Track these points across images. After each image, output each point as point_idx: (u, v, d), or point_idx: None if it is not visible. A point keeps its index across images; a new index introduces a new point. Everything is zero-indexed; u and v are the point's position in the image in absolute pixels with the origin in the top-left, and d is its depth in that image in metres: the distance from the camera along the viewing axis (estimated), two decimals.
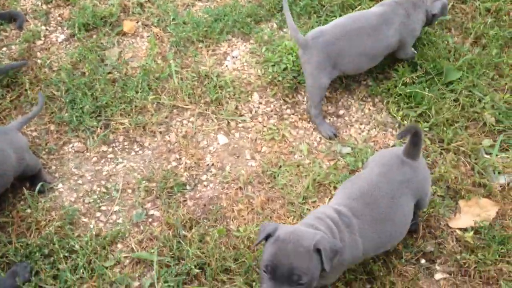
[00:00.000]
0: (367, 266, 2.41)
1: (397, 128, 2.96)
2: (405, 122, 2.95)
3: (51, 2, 3.61)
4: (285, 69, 3.17)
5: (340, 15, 3.30)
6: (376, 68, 3.14)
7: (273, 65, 3.19)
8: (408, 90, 2.97)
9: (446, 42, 3.27)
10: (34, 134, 2.98)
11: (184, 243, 2.49)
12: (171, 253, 2.48)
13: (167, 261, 2.46)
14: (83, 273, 2.42)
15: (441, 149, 2.86)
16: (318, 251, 1.89)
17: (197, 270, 2.41)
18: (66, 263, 2.45)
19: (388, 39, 2.87)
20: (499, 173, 2.75)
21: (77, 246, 2.48)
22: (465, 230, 2.58)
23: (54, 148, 2.92)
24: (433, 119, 2.90)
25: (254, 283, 2.36)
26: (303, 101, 3.10)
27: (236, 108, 3.05)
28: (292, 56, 3.18)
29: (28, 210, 2.65)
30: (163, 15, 3.50)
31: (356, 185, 2.23)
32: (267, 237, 1.97)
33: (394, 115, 2.97)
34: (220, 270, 2.43)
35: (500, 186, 2.72)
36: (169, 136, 2.95)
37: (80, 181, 2.81)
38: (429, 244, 2.55)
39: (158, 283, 2.43)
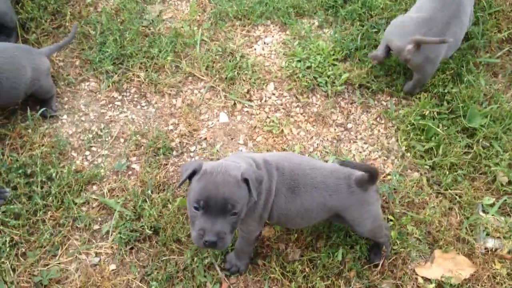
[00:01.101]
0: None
1: (399, 158, 2.83)
2: (409, 154, 2.81)
3: None
4: (308, 67, 3.12)
5: (384, 30, 3.16)
6: (401, 92, 3.02)
7: (299, 61, 3.14)
8: (421, 122, 2.82)
9: (487, 86, 3.05)
10: (61, 64, 3.15)
11: (148, 203, 2.56)
12: (133, 208, 2.56)
13: (127, 215, 2.54)
14: (52, 201, 2.56)
15: (437, 193, 2.70)
16: (246, 180, 1.91)
17: (150, 232, 2.48)
18: (41, 188, 2.59)
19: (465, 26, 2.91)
20: (487, 234, 2.57)
21: (54, 175, 2.62)
22: (429, 281, 2.45)
23: (72, 81, 3.07)
24: (438, 159, 2.74)
25: (201, 260, 2.40)
26: (316, 103, 3.04)
27: (248, 92, 3.05)
28: (320, 57, 3.12)
29: (29, 131, 2.82)
30: None
31: (295, 157, 2.25)
32: (191, 176, 1.95)
33: (400, 144, 2.84)
34: (172, 239, 2.48)
35: (485, 249, 2.54)
36: (175, 100, 3.01)
37: (83, 118, 2.95)
38: (385, 282, 2.44)
39: (113, 233, 2.53)
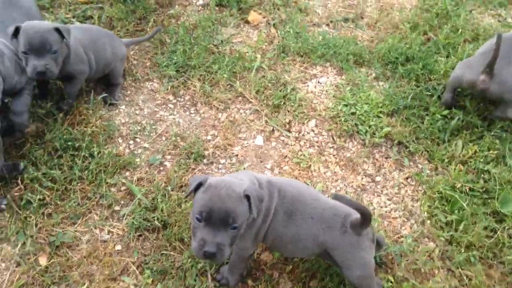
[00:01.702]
0: None
1: (419, 223, 2.78)
2: (429, 221, 2.76)
3: None
4: (353, 113, 3.19)
5: (439, 96, 3.17)
6: (440, 157, 2.99)
7: (345, 105, 3.23)
8: (449, 193, 2.76)
9: None
10: (134, 62, 3.50)
11: (165, 199, 2.74)
12: (152, 200, 2.75)
13: (145, 204, 2.73)
14: (87, 175, 2.83)
15: (447, 269, 2.61)
16: (247, 197, 1.99)
17: (160, 225, 2.65)
18: (82, 162, 2.88)
19: None
20: None
21: (96, 153, 2.89)
22: None
23: (139, 78, 3.40)
24: (457, 234, 2.66)
25: (196, 264, 2.52)
26: (350, 149, 3.09)
27: (289, 122, 3.18)
28: (367, 107, 3.19)
29: (90, 111, 3.15)
30: (286, 21, 3.75)
31: (301, 185, 2.32)
32: (197, 188, 2.06)
33: (423, 209, 2.80)
34: (177, 237, 2.62)
35: None
36: (221, 115, 3.22)
37: (137, 112, 3.24)
38: None
39: (128, 217, 2.73)
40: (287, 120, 3.19)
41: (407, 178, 2.98)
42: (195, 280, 2.51)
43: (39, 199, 2.71)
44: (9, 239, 2.65)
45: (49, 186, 2.77)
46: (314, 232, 2.19)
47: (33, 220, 2.68)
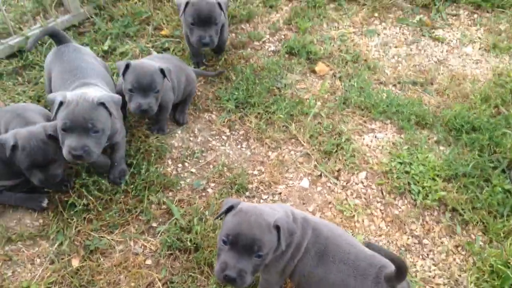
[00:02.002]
0: None
1: None
2: None
3: (289, 24, 4.29)
4: (407, 172, 3.08)
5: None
6: (496, 230, 2.78)
7: (400, 163, 3.13)
8: (502, 268, 2.52)
9: None
10: (199, 93, 3.64)
11: (201, 223, 2.73)
12: (188, 222, 2.76)
13: (181, 224, 2.74)
14: (132, 190, 2.90)
15: None
16: (277, 227, 1.94)
17: (192, 247, 2.63)
18: (131, 176, 2.97)
19: None
20: None
21: (144, 170, 2.98)
22: None
23: (199, 108, 3.52)
24: None
25: None
26: (400, 207, 2.95)
27: (338, 170, 3.12)
28: (423, 168, 3.07)
29: (148, 131, 3.29)
30: (353, 76, 3.78)
31: (337, 228, 2.24)
32: (228, 211, 2.03)
33: (469, 280, 2.57)
34: (206, 262, 2.58)
35: None
36: (271, 153, 3.22)
37: (191, 138, 3.33)
38: None
39: (163, 234, 2.74)
40: (337, 168, 3.13)
41: (457, 246, 2.78)
42: None
43: (84, 204, 2.81)
44: (48, 237, 2.74)
45: (95, 194, 2.86)
46: (344, 278, 2.07)
47: (74, 222, 2.76)
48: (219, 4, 3.23)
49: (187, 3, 3.19)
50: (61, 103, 2.50)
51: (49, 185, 2.78)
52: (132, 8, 4.17)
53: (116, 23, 4.08)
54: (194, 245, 2.65)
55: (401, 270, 1.93)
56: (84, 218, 2.81)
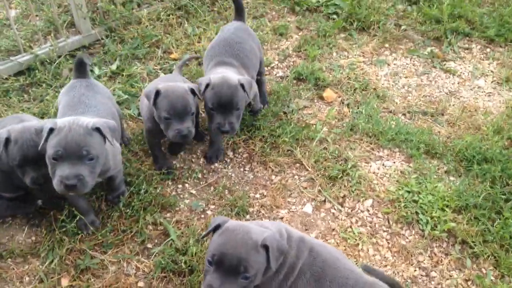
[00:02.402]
0: None
1: None
2: None
3: (299, 51, 4.28)
4: (415, 201, 2.96)
5: None
6: (508, 265, 2.62)
7: (408, 192, 3.01)
8: None
9: None
10: (203, 115, 3.59)
11: (198, 245, 2.62)
12: (184, 244, 2.65)
13: (176, 245, 2.63)
14: (128, 210, 2.81)
15: None
16: (266, 247, 1.83)
17: (186, 269, 2.52)
18: (129, 196, 2.89)
19: None
20: None
21: (143, 191, 2.90)
22: None
23: (202, 129, 3.46)
24: None
25: None
26: (407, 237, 2.81)
27: (343, 197, 3.01)
28: (432, 198, 2.95)
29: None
30: (361, 103, 3.72)
31: (337, 252, 2.12)
32: (215, 229, 1.94)
33: None
34: (199, 287, 2.45)
35: None
36: (274, 177, 3.13)
37: (193, 160, 3.27)
38: None
39: (157, 255, 2.63)
40: (342, 194, 3.02)
41: (467, 280, 2.62)
42: None
43: (76, 222, 2.70)
44: (39, 255, 2.66)
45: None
46: None
47: (66, 241, 2.67)
48: (242, 86, 2.86)
49: (207, 85, 2.84)
50: (51, 130, 2.28)
51: (43, 188, 2.58)
52: (142, 31, 4.20)
53: (126, 45, 4.10)
54: (189, 267, 2.54)
55: None
56: (77, 236, 2.71)
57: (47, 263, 2.61)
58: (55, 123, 2.30)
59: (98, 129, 2.34)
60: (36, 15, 4.27)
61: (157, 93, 2.72)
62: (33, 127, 2.48)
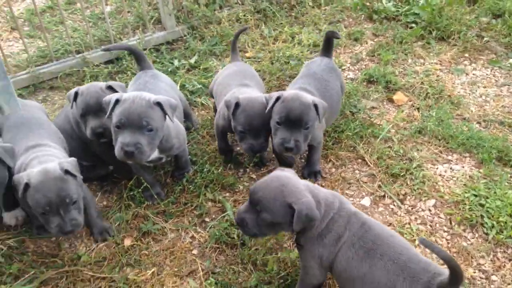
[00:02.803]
0: None
1: None
2: None
3: (372, 55, 4.27)
4: (481, 205, 2.82)
5: None
6: None
7: (475, 195, 2.88)
8: None
9: None
10: None
11: None
12: None
13: (232, 220, 2.72)
14: (190, 186, 2.96)
15: None
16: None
17: (238, 242, 2.59)
18: (193, 174, 3.05)
19: None
20: None
21: (206, 170, 3.03)
22: None
23: None
24: None
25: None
26: (469, 239, 2.68)
27: (404, 194, 2.94)
28: (501, 203, 2.80)
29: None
30: (433, 107, 3.63)
31: (392, 232, 2.08)
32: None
33: None
34: (250, 259, 2.52)
35: None
36: (335, 170, 3.14)
37: None
38: None
39: (213, 228, 2.73)
40: (403, 192, 2.95)
41: None
42: None
43: (143, 190, 2.87)
44: (109, 217, 2.86)
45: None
46: (391, 277, 1.90)
47: (132, 208, 2.86)
48: (316, 107, 2.65)
49: (278, 98, 2.67)
50: (117, 101, 2.45)
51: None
52: (222, 30, 4.44)
53: (205, 42, 4.35)
54: (241, 241, 2.61)
55: (456, 276, 1.73)
56: (142, 205, 2.89)
57: (115, 225, 2.79)
58: (121, 96, 2.49)
59: (159, 104, 2.47)
60: (128, 11, 4.66)
61: (237, 104, 2.76)
62: (100, 85, 2.78)
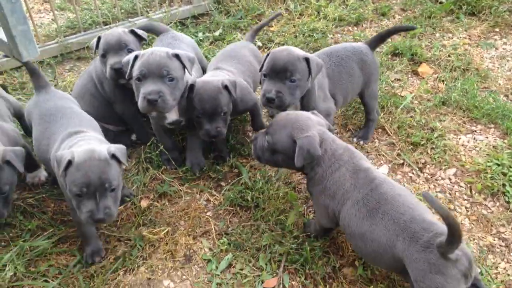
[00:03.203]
0: None
1: None
2: None
3: None
4: (504, 174, 2.76)
5: None
6: None
7: (498, 164, 2.80)
8: None
9: None
10: None
11: (267, 184, 2.69)
12: (254, 182, 2.74)
13: (247, 184, 2.73)
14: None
15: None
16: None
17: (251, 204, 2.60)
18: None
19: None
20: None
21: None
22: None
23: None
24: None
25: (274, 251, 2.38)
26: (489, 208, 2.61)
27: (424, 163, 2.88)
28: None
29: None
30: (458, 78, 3.53)
31: (401, 190, 2.03)
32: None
33: None
34: (263, 220, 2.53)
35: None
36: (354, 138, 3.10)
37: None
38: None
39: (228, 191, 2.75)
40: (423, 161, 2.89)
41: None
42: (266, 264, 2.34)
43: (160, 153, 2.92)
44: (128, 180, 2.92)
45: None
46: (390, 237, 1.88)
47: (150, 171, 2.91)
48: (307, 60, 2.49)
49: (266, 54, 2.59)
50: (135, 57, 2.51)
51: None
52: (247, 4, 4.44)
53: (231, 16, 4.36)
54: (255, 203, 2.62)
55: (453, 233, 1.67)
56: (160, 169, 2.94)
57: (133, 187, 2.86)
58: (139, 52, 2.55)
59: (177, 56, 2.53)
60: None
61: (191, 87, 2.64)
62: (122, 29, 2.97)
